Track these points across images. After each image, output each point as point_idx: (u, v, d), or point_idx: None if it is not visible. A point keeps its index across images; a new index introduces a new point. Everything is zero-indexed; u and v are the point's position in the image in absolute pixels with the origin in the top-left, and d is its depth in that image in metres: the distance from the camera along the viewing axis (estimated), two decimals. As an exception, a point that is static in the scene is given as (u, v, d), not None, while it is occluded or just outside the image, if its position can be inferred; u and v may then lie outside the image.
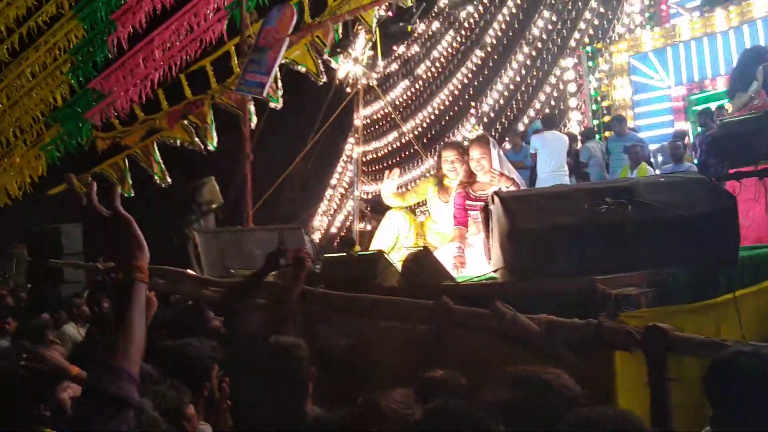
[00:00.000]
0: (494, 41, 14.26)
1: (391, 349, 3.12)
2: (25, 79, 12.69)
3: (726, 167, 3.96)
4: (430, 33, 15.47)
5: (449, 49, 15.10)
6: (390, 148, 15.56)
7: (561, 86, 12.97)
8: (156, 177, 10.51)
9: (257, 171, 8.93)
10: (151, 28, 11.02)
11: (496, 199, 3.06)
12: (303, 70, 9.16)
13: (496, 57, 14.26)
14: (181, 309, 4.96)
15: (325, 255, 4.72)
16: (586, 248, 2.78)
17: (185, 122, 10.15)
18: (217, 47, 10.31)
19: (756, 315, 2.60)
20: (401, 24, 14.94)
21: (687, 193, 2.90)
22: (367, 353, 3.04)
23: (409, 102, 15.48)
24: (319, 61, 9.25)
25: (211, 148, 10.06)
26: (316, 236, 14.47)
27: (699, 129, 9.52)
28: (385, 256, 3.71)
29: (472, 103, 14.43)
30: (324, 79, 9.50)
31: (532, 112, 13.16)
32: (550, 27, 13.47)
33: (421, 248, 3.78)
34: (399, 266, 3.54)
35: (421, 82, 15.43)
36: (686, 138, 9.75)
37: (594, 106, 12.15)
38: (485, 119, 13.97)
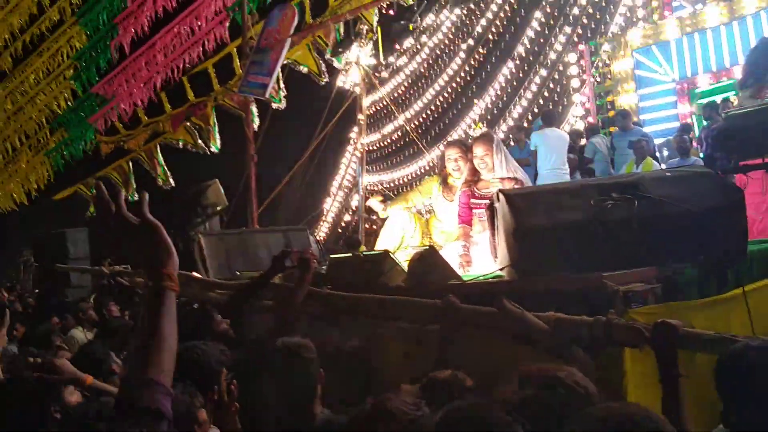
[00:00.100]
0: (496, 37, 14.22)
1: (399, 349, 3.11)
2: (29, 86, 12.75)
3: (732, 160, 3.93)
4: (432, 29, 15.43)
5: (451, 46, 15.08)
6: (394, 147, 15.55)
7: (564, 82, 12.92)
8: (159, 179, 10.54)
9: (261, 172, 8.94)
10: (153, 32, 11.04)
11: (502, 196, 3.04)
12: (305, 70, 9.16)
13: (497, 53, 14.22)
14: (188, 312, 4.97)
15: (331, 256, 4.71)
16: (592, 245, 2.77)
17: (188, 124, 10.17)
18: (219, 49, 10.33)
19: (766, 309, 2.58)
20: (402, 22, 14.93)
21: (694, 188, 2.88)
22: (375, 354, 3.03)
23: (411, 100, 15.46)
24: (321, 61, 9.25)
25: (214, 149, 10.07)
26: (322, 237, 14.47)
27: (704, 122, 9.47)
28: (391, 255, 3.70)
29: (475, 101, 14.40)
30: (326, 79, 9.49)
31: (535, 109, 13.11)
32: (551, 22, 13.42)
33: (427, 247, 3.77)
34: (405, 266, 3.53)
35: (423, 80, 15.41)
36: (691, 132, 9.70)
37: (598, 102, 12.10)
38: (488, 117, 13.94)
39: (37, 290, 9.51)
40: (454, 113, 14.70)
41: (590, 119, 11.96)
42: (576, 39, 12.99)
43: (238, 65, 9.69)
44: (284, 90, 9.08)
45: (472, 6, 14.77)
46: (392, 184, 14.72)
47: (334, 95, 12.88)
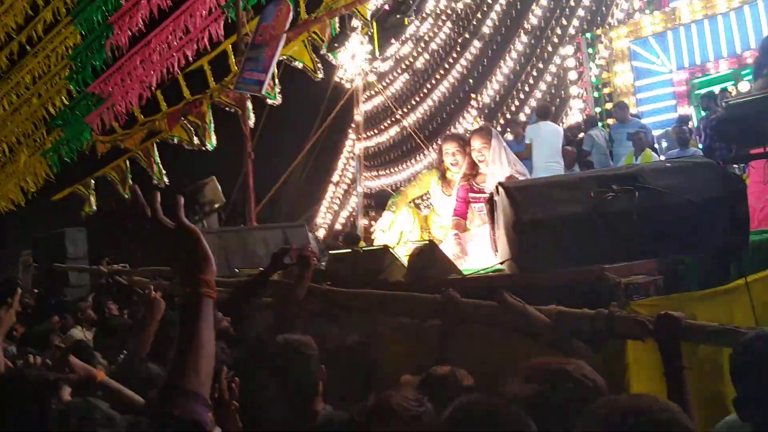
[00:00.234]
0: (492, 31, 14.17)
1: (400, 344, 3.10)
2: (25, 86, 12.72)
3: (733, 150, 3.91)
4: (429, 25, 15.37)
5: (447, 40, 15.03)
6: (392, 142, 15.51)
7: (562, 74, 12.89)
8: (155, 177, 10.53)
9: (259, 169, 8.91)
10: (148, 31, 11.00)
11: (501, 189, 3.02)
12: (300, 66, 9.12)
13: (494, 47, 14.18)
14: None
15: (330, 252, 4.70)
16: (593, 237, 2.75)
17: (185, 121, 10.14)
18: (214, 46, 10.29)
19: (769, 300, 2.56)
20: (398, 16, 14.88)
21: (694, 178, 2.86)
22: (376, 349, 3.01)
23: (409, 95, 15.42)
24: (316, 57, 9.20)
25: (209, 147, 10.05)
26: (321, 233, 14.46)
27: (702, 113, 9.44)
28: (391, 251, 3.68)
29: (472, 95, 14.36)
30: (321, 75, 9.45)
31: (533, 102, 13.07)
32: (548, 14, 13.37)
33: (427, 242, 3.76)
34: (405, 261, 3.51)
35: (419, 75, 15.36)
36: (690, 123, 9.68)
37: (596, 94, 12.06)
38: (486, 110, 13.90)
39: (36, 290, 9.50)
40: (451, 107, 14.67)
41: (588, 111, 11.93)
42: (573, 31, 12.95)
43: (234, 62, 9.65)
44: (279, 86, 9.03)
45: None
46: (392, 187, 14.70)
47: (330, 91, 12.86)
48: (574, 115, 12.02)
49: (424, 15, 15.31)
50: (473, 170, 4.56)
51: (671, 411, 1.32)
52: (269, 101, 9.11)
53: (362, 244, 8.62)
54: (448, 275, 3.27)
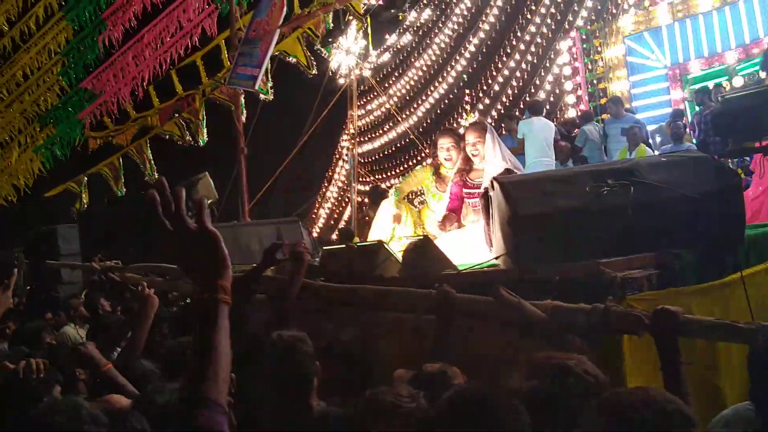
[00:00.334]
0: (488, 27, 14.15)
1: (395, 340, 3.08)
2: (16, 83, 12.62)
3: (729, 144, 3.90)
4: (424, 20, 15.35)
5: (442, 37, 15.01)
6: (386, 139, 15.49)
7: (556, 70, 12.88)
8: (147, 174, 10.47)
9: (252, 165, 8.86)
10: (141, 26, 10.92)
11: (496, 184, 3.01)
12: (293, 61, 9.06)
13: (489, 43, 14.17)
14: (182, 307, 4.92)
15: (324, 247, 4.67)
16: (589, 232, 2.74)
17: (177, 116, 10.08)
18: (207, 42, 10.22)
19: (764, 293, 2.56)
20: (392, 11, 14.84)
21: (690, 172, 2.85)
22: (371, 345, 3.00)
23: (404, 91, 15.40)
24: (309, 53, 9.15)
25: (201, 143, 9.99)
26: (315, 229, 14.43)
27: (696, 108, 9.46)
28: (386, 246, 3.66)
29: (467, 91, 14.35)
30: (314, 71, 9.40)
31: (528, 98, 13.08)
32: (543, 10, 13.37)
33: (422, 237, 3.74)
34: (399, 256, 3.50)
35: (414, 71, 15.34)
36: (684, 118, 9.69)
37: (590, 89, 12.07)
38: (481, 106, 13.90)
39: (28, 287, 9.43)
40: (445, 103, 14.65)
41: (582, 107, 11.93)
42: (567, 26, 12.95)
43: (227, 57, 9.58)
44: (271, 81, 8.97)
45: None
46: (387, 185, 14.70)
47: (324, 86, 12.82)
48: (568, 111, 12.02)
49: (418, 8, 15.28)
50: (467, 165, 4.54)
51: (676, 403, 1.32)
52: (262, 96, 9.06)
53: (357, 239, 8.59)
54: (443, 270, 3.26)
